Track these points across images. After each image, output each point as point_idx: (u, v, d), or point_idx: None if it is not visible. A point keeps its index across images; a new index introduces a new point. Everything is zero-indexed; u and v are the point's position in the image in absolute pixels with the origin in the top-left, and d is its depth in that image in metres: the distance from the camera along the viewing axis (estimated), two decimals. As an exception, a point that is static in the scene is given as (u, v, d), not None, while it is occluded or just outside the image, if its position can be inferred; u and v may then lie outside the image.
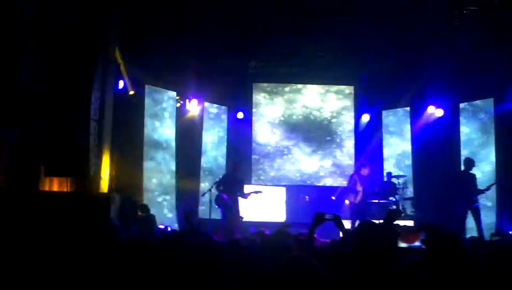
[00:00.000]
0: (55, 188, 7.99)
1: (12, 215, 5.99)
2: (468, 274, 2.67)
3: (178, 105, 12.24)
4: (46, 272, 3.34)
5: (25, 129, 7.06)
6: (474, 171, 10.15)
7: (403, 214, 10.74)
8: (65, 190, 8.01)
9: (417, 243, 6.70)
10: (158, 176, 11.67)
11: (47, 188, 7.76)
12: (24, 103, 6.95)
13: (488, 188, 9.93)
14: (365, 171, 10.78)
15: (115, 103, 9.85)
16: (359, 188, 10.64)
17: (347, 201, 11.01)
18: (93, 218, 6.88)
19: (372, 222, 3.66)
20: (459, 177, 10.42)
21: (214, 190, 10.02)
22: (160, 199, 11.46)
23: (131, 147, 11.02)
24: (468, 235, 9.41)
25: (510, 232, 9.74)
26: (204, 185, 12.10)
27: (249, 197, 10.08)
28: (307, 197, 12.39)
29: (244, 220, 10.43)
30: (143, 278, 2.92)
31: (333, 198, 11.97)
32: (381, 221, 4.21)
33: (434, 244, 3.09)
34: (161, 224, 10.24)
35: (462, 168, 10.51)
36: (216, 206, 10.06)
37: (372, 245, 2.68)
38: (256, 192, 10.24)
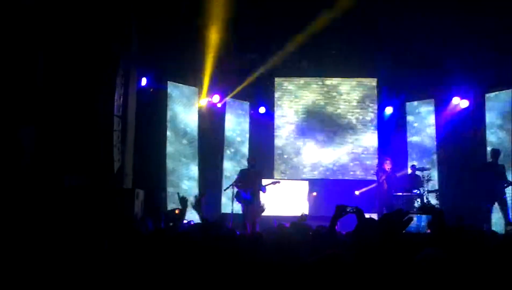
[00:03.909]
0: (80, 184, 8.15)
1: (34, 211, 6.13)
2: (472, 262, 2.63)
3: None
4: (66, 267, 3.41)
5: (41, 126, 7.18)
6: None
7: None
8: (90, 186, 8.16)
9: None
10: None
11: (72, 185, 7.92)
12: (40, 100, 7.07)
13: None
14: (388, 166, 10.90)
15: (138, 99, 9.99)
16: (385, 184, 10.87)
17: (357, 192, 11.93)
18: (117, 213, 7.01)
19: (372, 219, 3.65)
20: (487, 168, 10.25)
21: (234, 186, 10.15)
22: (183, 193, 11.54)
23: (154, 143, 11.14)
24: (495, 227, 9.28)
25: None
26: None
27: (267, 188, 10.11)
28: (357, 192, 12.35)
29: (266, 214, 10.43)
30: (161, 269, 2.96)
31: (357, 193, 12.04)
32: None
33: (439, 228, 3.06)
34: (185, 219, 10.32)
35: (489, 159, 10.35)
36: (237, 202, 10.19)
37: (370, 242, 2.65)
38: (274, 183, 10.32)
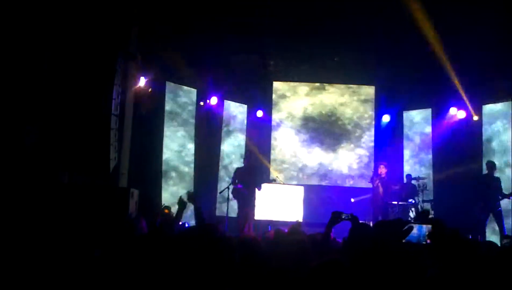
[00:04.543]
0: (76, 182, 8.09)
1: (31, 209, 6.09)
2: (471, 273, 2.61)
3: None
4: (61, 264, 3.38)
5: (44, 124, 7.15)
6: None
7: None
8: (85, 184, 8.10)
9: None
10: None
11: (67, 182, 7.86)
12: (44, 98, 7.04)
13: (510, 195, 9.76)
14: (382, 171, 10.92)
15: (136, 98, 9.95)
16: (380, 189, 10.88)
17: (352, 199, 11.90)
18: (111, 212, 6.96)
19: (367, 225, 3.64)
20: (482, 180, 10.27)
21: (231, 187, 10.36)
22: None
23: (151, 143, 11.09)
24: (489, 239, 9.30)
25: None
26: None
27: (262, 186, 10.37)
28: (352, 199, 12.34)
29: (261, 218, 10.55)
30: (156, 270, 2.93)
31: (352, 200, 12.05)
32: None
33: (440, 239, 3.04)
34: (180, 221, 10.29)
35: (485, 171, 10.36)
36: (233, 198, 10.42)
37: (364, 248, 2.63)
38: (272, 180, 10.54)
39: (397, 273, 2.35)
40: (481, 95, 11.48)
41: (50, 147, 7.40)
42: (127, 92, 9.34)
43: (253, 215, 10.16)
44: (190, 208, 11.36)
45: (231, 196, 10.40)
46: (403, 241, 2.55)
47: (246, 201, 10.04)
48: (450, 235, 3.03)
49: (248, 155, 11.34)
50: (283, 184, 12.44)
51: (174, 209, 6.88)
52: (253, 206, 10.12)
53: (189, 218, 11.00)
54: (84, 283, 3.19)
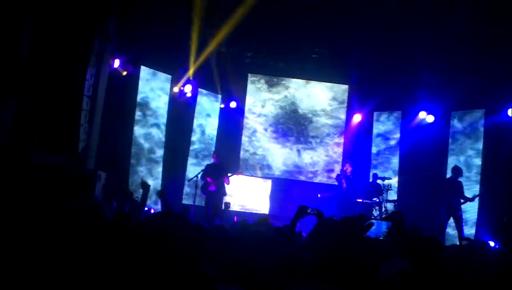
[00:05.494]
0: (42, 162, 7.97)
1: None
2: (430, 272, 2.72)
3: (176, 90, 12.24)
4: (28, 245, 3.33)
5: (18, 102, 7.02)
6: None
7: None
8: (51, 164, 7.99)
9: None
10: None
11: (37, 162, 7.73)
12: (19, 77, 6.90)
13: (472, 198, 10.04)
14: (348, 169, 11.20)
15: (109, 81, 9.84)
16: (345, 186, 11.19)
17: (319, 195, 11.99)
18: (77, 193, 6.91)
19: (333, 219, 3.74)
20: (445, 184, 10.54)
21: (199, 179, 10.46)
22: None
23: (122, 126, 11.02)
24: (448, 242, 9.59)
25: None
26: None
27: (230, 180, 10.48)
28: (319, 194, 12.47)
29: (229, 209, 10.71)
30: (122, 255, 2.94)
31: (319, 195, 12.22)
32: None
33: (398, 235, 3.16)
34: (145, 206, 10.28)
35: (449, 175, 10.64)
36: (202, 194, 10.58)
37: (328, 242, 2.72)
38: (237, 173, 10.91)
39: (355, 266, 2.43)
40: (450, 101, 11.76)
41: (23, 125, 7.27)
42: (101, 73, 9.22)
43: (221, 207, 10.28)
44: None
45: (199, 192, 10.56)
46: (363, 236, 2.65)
47: (215, 196, 10.18)
48: (409, 231, 3.15)
49: (218, 151, 11.43)
50: (251, 176, 12.55)
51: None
52: (221, 198, 10.26)
53: (152, 204, 11.00)
54: (50, 266, 3.16)
